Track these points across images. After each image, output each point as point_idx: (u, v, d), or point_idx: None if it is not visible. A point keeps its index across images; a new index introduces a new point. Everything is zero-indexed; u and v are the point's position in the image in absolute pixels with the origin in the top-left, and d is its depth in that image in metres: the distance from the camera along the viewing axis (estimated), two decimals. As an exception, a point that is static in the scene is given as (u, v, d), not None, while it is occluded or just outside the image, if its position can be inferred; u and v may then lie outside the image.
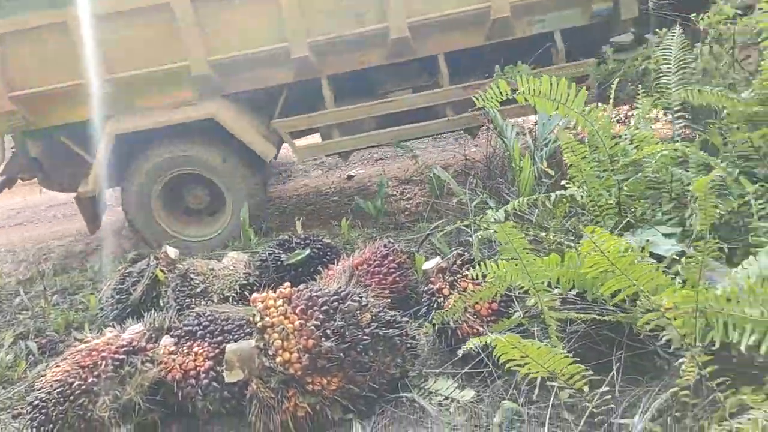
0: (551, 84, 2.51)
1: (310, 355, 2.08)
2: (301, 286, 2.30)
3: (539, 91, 2.53)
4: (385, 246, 2.95)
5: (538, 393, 2.11)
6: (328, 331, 2.10)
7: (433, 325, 2.39)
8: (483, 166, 4.00)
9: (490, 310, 2.39)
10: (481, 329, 2.36)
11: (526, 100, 2.55)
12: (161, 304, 2.91)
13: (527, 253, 1.86)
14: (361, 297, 2.26)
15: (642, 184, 2.33)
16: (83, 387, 2.23)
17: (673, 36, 2.82)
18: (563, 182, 2.65)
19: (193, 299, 2.85)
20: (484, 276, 2.18)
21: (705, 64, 2.80)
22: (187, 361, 2.39)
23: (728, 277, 1.78)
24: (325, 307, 2.15)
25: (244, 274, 2.98)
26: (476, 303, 2.39)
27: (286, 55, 4.14)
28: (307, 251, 2.98)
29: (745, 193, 1.98)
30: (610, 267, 1.55)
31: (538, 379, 2.08)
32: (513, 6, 4.11)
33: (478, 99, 2.71)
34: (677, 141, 2.48)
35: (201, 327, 2.47)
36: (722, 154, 2.25)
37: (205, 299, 2.86)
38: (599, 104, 3.55)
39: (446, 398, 2.25)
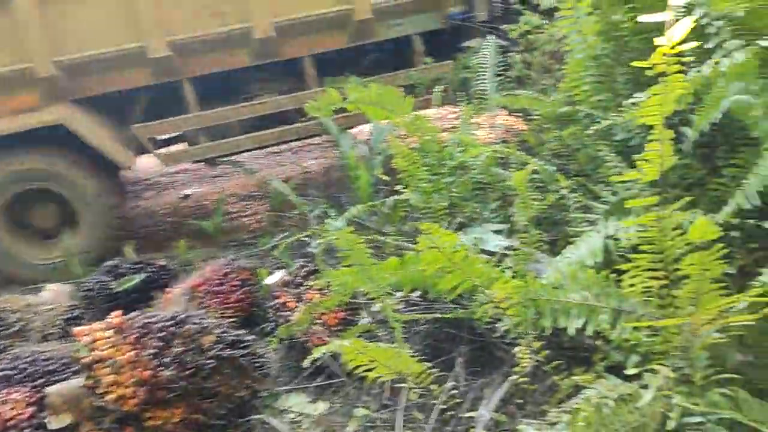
0: (380, 93, 2.58)
1: (148, 387, 1.93)
2: (134, 314, 2.13)
3: (369, 100, 2.59)
4: (226, 264, 2.83)
5: (389, 396, 2.14)
6: (167, 360, 1.97)
7: (281, 340, 2.33)
8: (322, 177, 4.01)
9: (337, 320, 2.39)
10: (329, 340, 2.34)
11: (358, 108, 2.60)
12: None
13: (368, 258, 1.87)
14: (201, 319, 2.14)
15: (469, 185, 2.46)
16: None
17: (488, 46, 3.03)
18: (398, 188, 2.73)
19: (9, 340, 2.54)
20: (329, 286, 2.17)
21: (518, 72, 3.03)
22: (4, 410, 2.11)
23: (551, 266, 1.92)
24: (161, 334, 2.02)
25: (68, 307, 2.70)
26: (323, 314, 2.37)
27: (143, 56, 3.88)
28: (141, 276, 2.78)
29: (560, 188, 2.15)
30: (447, 262, 1.62)
31: (388, 382, 2.11)
32: (374, 8, 4.15)
33: (311, 108, 2.71)
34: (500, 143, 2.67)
35: (18, 371, 2.20)
36: (539, 152, 2.44)
37: (23, 339, 2.56)
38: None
39: (299, 414, 2.21)
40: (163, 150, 4.48)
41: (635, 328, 1.56)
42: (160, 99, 4.28)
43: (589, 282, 1.69)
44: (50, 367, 2.21)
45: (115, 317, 2.07)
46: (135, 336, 2.00)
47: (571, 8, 2.13)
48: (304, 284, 2.45)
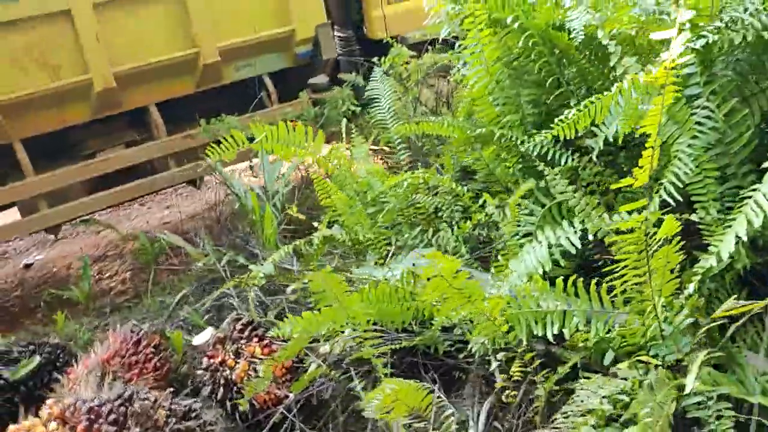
0: (289, 131, 2.54)
1: None
2: (68, 400, 1.84)
3: (278, 139, 2.54)
4: (132, 331, 2.56)
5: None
6: None
7: (234, 405, 2.16)
8: (212, 222, 3.74)
9: (284, 370, 2.27)
10: (279, 392, 2.22)
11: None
12: None
13: (346, 295, 1.82)
14: (146, 393, 1.93)
15: (393, 213, 2.50)
16: None
17: (377, 79, 3.13)
18: (314, 223, 2.68)
19: None
20: (282, 335, 2.06)
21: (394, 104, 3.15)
22: None
23: (497, 282, 2.01)
24: (112, 417, 1.77)
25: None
26: (266, 366, 2.24)
27: None
28: (37, 359, 2.41)
29: (486, 206, 2.28)
30: (448, 288, 1.63)
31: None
32: (221, 51, 4.03)
33: (212, 153, 2.57)
34: (405, 170, 2.76)
35: None
36: (454, 175, 2.57)
37: None
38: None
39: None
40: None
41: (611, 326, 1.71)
42: None
43: (554, 290, 1.82)
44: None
45: (52, 406, 1.78)
46: (84, 425, 1.73)
47: (473, 39, 2.29)
48: (242, 338, 2.29)
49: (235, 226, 3.41)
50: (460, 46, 2.46)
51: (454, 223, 2.50)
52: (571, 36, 2.11)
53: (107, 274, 4.30)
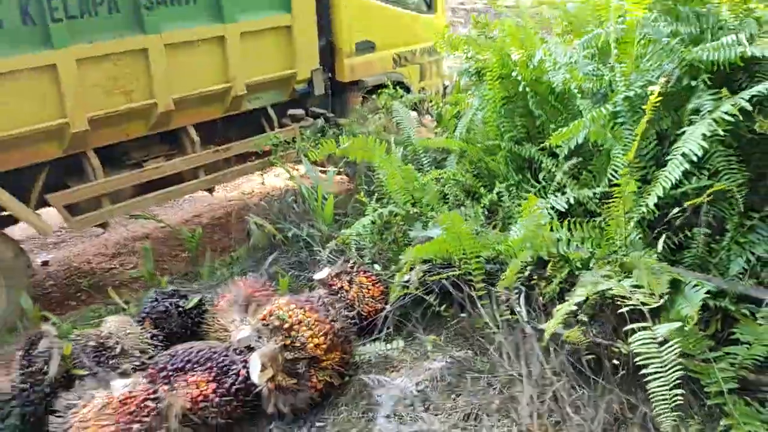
0: (365, 141, 3.77)
1: (330, 335, 2.79)
2: (303, 296, 2.95)
3: (357, 146, 3.77)
4: (253, 279, 3.59)
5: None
6: (334, 317, 2.85)
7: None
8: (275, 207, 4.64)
9: (379, 291, 3.44)
10: (378, 305, 3.39)
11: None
12: (80, 374, 2.86)
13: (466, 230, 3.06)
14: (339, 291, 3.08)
15: (437, 195, 3.78)
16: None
17: (398, 106, 4.45)
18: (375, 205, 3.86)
19: (117, 359, 2.93)
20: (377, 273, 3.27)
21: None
22: (191, 392, 2.68)
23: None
24: (326, 300, 2.89)
25: (146, 328, 3.16)
26: (369, 289, 3.41)
27: (62, 131, 4.11)
28: (198, 296, 3.38)
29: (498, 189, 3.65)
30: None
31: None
32: (247, 86, 5.09)
33: (311, 153, 3.73)
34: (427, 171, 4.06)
35: (186, 362, 2.77)
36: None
37: (126, 357, 2.98)
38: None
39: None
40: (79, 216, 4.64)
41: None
42: (60, 168, 4.55)
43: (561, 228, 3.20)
44: (206, 357, 2.84)
45: (284, 305, 2.84)
46: (310, 306, 2.82)
47: (488, 84, 3.70)
48: (353, 272, 3.44)
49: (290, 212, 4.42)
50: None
51: (465, 203, 3.85)
52: (553, 86, 3.57)
53: (129, 267, 5.11)
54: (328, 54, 5.98)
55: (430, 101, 5.71)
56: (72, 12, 4.06)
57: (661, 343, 2.30)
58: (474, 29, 4.38)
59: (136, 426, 2.34)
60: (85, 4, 4.10)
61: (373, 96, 5.88)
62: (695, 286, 2.78)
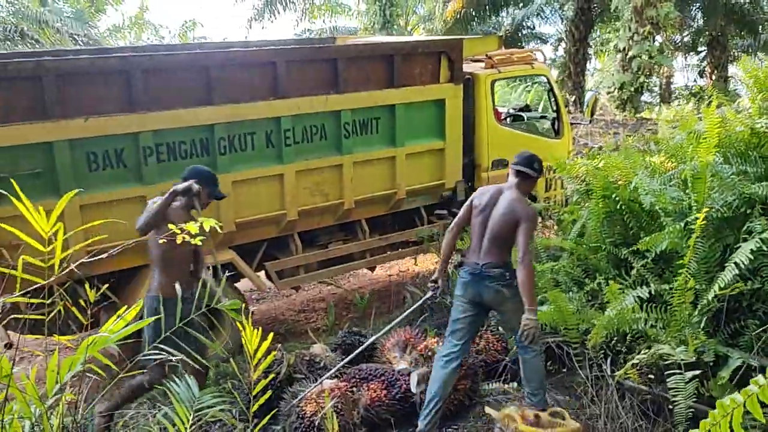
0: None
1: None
2: (432, 340, 4.30)
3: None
4: (407, 330, 4.99)
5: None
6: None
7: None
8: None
9: (501, 347, 4.70)
10: (500, 357, 4.64)
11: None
12: (298, 377, 4.36)
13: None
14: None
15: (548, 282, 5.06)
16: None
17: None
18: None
19: (321, 371, 4.41)
20: (501, 334, 4.55)
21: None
22: (369, 393, 4.07)
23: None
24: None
25: (339, 353, 4.65)
26: (493, 344, 4.68)
27: (281, 218, 5.94)
28: (375, 336, 4.83)
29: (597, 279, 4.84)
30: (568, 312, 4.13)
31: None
32: (407, 191, 6.75)
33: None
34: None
35: (368, 375, 4.19)
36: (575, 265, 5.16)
37: (327, 370, 4.45)
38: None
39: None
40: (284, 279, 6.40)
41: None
42: (274, 244, 6.34)
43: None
44: (380, 372, 4.23)
45: (435, 343, 4.20)
46: None
47: (594, 201, 4.98)
48: (482, 332, 4.75)
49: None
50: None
51: (572, 287, 5.05)
52: (642, 204, 4.77)
53: (312, 320, 6.70)
54: (470, 168, 7.51)
55: (554, 209, 7.04)
56: (297, 139, 5.93)
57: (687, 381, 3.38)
58: (587, 158, 5.72)
59: (339, 405, 3.76)
60: (306, 134, 5.96)
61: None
62: (738, 358, 3.81)
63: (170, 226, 2.72)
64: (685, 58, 25.80)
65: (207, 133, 5.42)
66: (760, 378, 1.56)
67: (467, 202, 4.26)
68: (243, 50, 6.99)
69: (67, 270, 2.40)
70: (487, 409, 3.90)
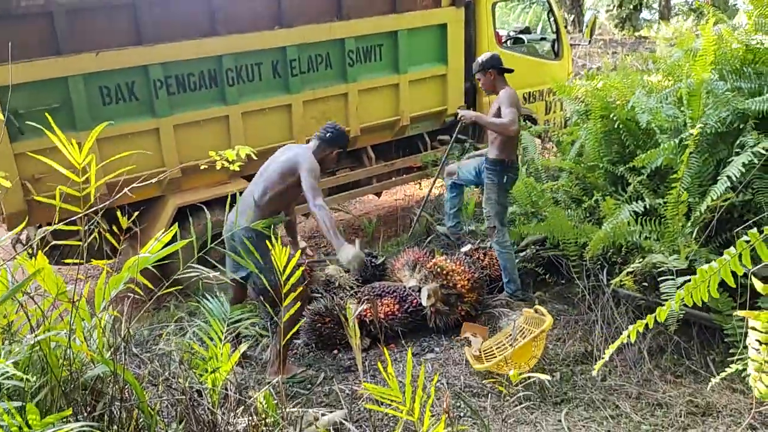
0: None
1: (470, 282, 4.40)
2: (454, 257, 4.61)
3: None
4: (417, 251, 5.27)
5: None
6: (473, 270, 4.47)
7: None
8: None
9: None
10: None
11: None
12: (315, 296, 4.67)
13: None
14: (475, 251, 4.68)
15: (548, 200, 5.30)
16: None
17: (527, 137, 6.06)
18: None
19: (337, 290, 4.72)
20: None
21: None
22: (383, 308, 4.39)
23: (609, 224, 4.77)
24: (467, 259, 4.51)
25: (352, 273, 4.95)
26: (497, 260, 4.98)
27: None
28: (385, 256, 5.12)
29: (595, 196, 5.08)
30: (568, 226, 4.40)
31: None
32: (411, 118, 6.89)
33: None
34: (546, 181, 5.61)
35: (381, 291, 4.49)
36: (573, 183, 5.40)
37: (342, 289, 4.75)
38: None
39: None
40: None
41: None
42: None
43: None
44: (390, 290, 4.54)
45: (443, 260, 4.49)
46: (459, 262, 4.45)
47: (592, 120, 5.16)
48: (486, 249, 5.03)
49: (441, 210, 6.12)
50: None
51: (571, 205, 5.31)
52: (639, 123, 4.95)
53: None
54: (472, 93, 7.62)
55: (553, 131, 7.21)
56: (303, 69, 6.03)
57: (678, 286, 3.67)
58: (586, 79, 5.85)
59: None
60: (311, 63, 6.06)
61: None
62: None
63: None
64: (687, -28, 25.17)
65: (215, 64, 5.52)
66: (731, 249, 1.81)
67: None
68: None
69: (117, 197, 2.60)
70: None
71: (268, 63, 5.83)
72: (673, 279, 3.81)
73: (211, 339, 2.84)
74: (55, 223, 2.68)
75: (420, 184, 7.70)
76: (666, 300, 3.81)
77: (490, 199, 4.87)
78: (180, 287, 2.95)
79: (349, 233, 7.33)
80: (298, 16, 5.85)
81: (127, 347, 2.86)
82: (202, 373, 2.76)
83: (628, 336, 2.01)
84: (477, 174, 5.32)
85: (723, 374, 2.49)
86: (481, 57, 5.08)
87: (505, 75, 4.94)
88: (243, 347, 2.96)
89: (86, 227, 2.75)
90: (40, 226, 5.30)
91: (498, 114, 4.77)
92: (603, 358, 2.13)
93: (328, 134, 4.24)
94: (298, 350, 4.51)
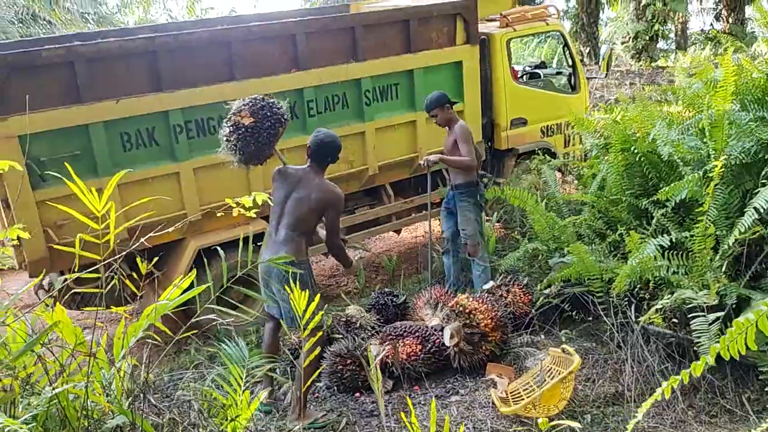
0: (520, 193, 5.30)
1: (494, 321, 4.31)
2: (477, 296, 4.53)
3: (514, 196, 5.30)
4: (437, 289, 5.20)
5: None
6: (497, 310, 4.38)
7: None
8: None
9: (527, 300, 4.90)
10: (526, 308, 4.84)
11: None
12: (336, 337, 4.60)
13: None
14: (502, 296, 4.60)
15: (571, 235, 5.22)
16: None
17: (546, 171, 5.99)
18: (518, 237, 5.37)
19: (357, 330, 4.65)
20: (526, 286, 4.73)
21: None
22: (406, 348, 4.31)
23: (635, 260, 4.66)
24: (491, 298, 4.43)
25: (374, 313, 4.88)
26: (520, 297, 4.87)
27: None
28: (406, 294, 5.05)
29: (619, 231, 4.98)
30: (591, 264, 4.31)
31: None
32: (428, 154, 6.87)
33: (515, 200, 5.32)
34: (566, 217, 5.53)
35: (403, 331, 4.41)
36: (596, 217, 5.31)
37: (363, 329, 4.68)
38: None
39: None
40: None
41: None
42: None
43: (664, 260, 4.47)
44: (413, 329, 4.46)
45: (465, 298, 4.41)
46: (482, 301, 4.37)
47: (613, 154, 5.09)
48: (509, 284, 4.94)
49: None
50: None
51: (594, 239, 5.20)
52: (660, 155, 4.87)
53: (343, 284, 6.94)
54: (489, 128, 7.61)
55: (573, 164, 7.15)
56: (320, 109, 6.07)
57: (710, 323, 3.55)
58: (603, 112, 5.81)
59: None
60: (328, 104, 6.11)
61: (526, 160, 7.43)
62: (760, 300, 3.95)
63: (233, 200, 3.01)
64: (700, 1, 25.24)
65: (234, 108, 5.57)
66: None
67: None
68: (263, 24, 7.09)
69: (136, 244, 2.59)
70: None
71: (285, 105, 5.87)
72: (704, 315, 3.69)
73: (230, 385, 2.78)
74: (75, 270, 2.69)
75: (440, 220, 7.62)
76: (698, 338, 3.71)
77: (469, 219, 5.43)
78: (200, 330, 2.91)
79: (369, 271, 7.28)
80: (315, 59, 5.92)
81: (146, 396, 2.81)
82: (222, 422, 2.70)
83: (662, 387, 1.92)
84: (448, 213, 5.84)
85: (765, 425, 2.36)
86: (432, 95, 5.54)
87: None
88: (264, 394, 2.90)
89: (106, 274, 2.74)
90: (62, 273, 5.32)
91: (455, 146, 5.40)
92: (635, 417, 2.04)
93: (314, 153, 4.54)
94: (320, 393, 4.42)
